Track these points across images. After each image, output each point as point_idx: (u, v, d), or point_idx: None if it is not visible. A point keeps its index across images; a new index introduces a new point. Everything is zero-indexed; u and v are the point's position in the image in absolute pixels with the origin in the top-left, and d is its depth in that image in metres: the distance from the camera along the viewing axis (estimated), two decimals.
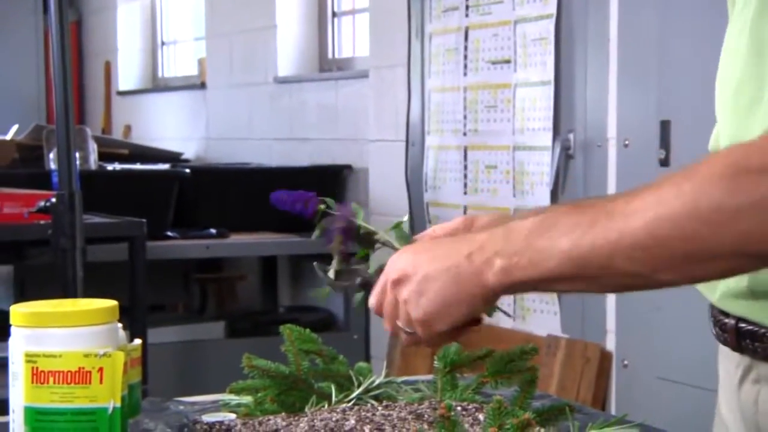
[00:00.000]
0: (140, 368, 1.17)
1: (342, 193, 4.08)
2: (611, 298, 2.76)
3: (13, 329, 1.00)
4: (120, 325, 1.05)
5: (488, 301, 1.00)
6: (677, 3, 2.60)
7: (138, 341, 1.16)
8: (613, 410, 2.75)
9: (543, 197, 2.96)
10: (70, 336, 0.99)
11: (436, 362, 1.21)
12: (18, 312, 1.00)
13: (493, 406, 0.92)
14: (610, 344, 2.77)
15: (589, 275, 0.93)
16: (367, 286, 1.13)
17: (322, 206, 1.22)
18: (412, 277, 1.02)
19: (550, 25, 2.94)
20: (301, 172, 4.12)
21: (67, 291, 1.94)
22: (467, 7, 3.28)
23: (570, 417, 1.00)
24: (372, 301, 1.08)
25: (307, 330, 1.22)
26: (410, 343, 1.06)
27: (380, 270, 1.09)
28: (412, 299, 1.02)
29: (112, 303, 1.03)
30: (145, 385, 1.24)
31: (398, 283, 1.03)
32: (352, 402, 1.17)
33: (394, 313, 1.05)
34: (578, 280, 0.94)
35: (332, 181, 4.06)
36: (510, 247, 0.96)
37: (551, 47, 2.93)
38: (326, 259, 1.21)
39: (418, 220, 3.50)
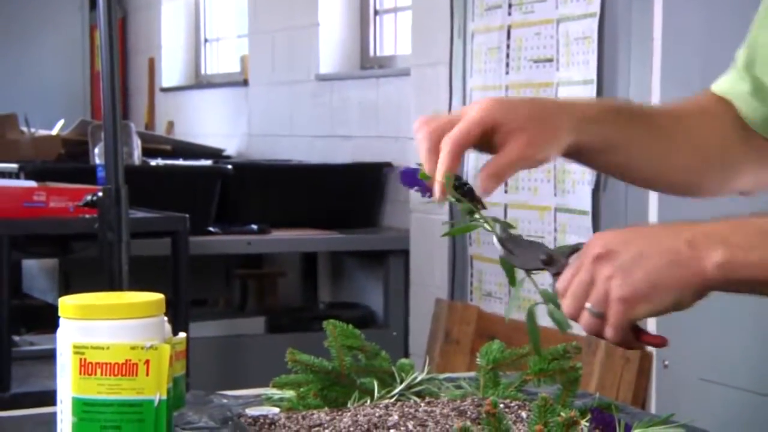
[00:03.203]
0: (185, 361, 1.18)
1: (382, 191, 4.09)
2: None
3: (61, 321, 1.02)
4: (165, 318, 1.06)
5: (700, 293, 0.94)
6: (722, 2, 2.58)
7: (183, 334, 1.18)
8: (653, 411, 2.73)
9: (584, 197, 2.95)
10: (117, 328, 1.00)
11: (478, 360, 1.21)
12: (67, 304, 1.01)
13: (539, 404, 0.92)
14: None
15: None
16: (551, 265, 1.03)
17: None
18: (621, 253, 0.94)
19: (593, 24, 2.93)
20: (341, 169, 4.14)
21: (112, 284, 1.97)
22: (510, 6, 3.27)
23: (616, 415, 1.00)
24: (563, 278, 0.99)
25: (350, 326, 1.22)
26: (592, 330, 0.98)
27: (572, 250, 1.02)
28: (618, 275, 0.94)
29: (159, 296, 1.04)
30: (187, 379, 1.25)
31: (602, 257, 0.95)
32: (395, 398, 1.18)
33: (584, 292, 0.97)
34: None
35: (373, 178, 4.07)
36: (739, 240, 0.90)
37: (594, 46, 2.92)
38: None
39: (457, 219, 3.50)
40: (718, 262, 0.91)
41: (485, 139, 1.07)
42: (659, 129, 1.19)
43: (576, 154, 1.13)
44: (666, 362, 2.72)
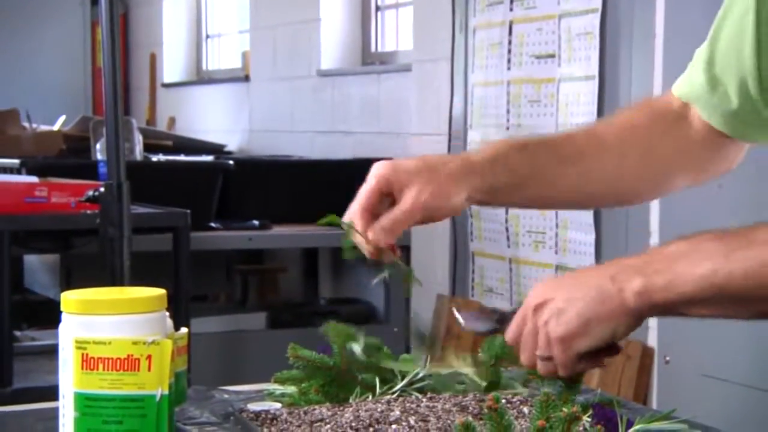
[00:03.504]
0: (186, 357, 1.18)
1: None
2: None
3: (64, 316, 1.02)
4: (167, 313, 1.06)
5: (630, 324, 1.02)
6: None
7: (184, 330, 1.17)
8: (654, 407, 2.73)
9: None
10: (119, 323, 1.00)
11: (480, 355, 1.21)
12: (69, 299, 1.01)
13: (541, 399, 0.92)
14: (652, 340, 2.76)
15: (728, 301, 0.96)
16: (504, 323, 1.12)
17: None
18: (555, 299, 1.02)
19: (595, 20, 2.92)
20: (343, 165, 4.13)
21: (113, 280, 1.96)
22: (511, 1, 3.27)
23: (618, 411, 1.00)
24: (510, 331, 1.07)
25: (352, 329, 1.22)
26: (549, 372, 1.05)
27: (519, 306, 1.08)
28: (553, 319, 1.02)
29: (161, 291, 1.04)
30: (189, 374, 1.25)
31: (540, 307, 1.03)
32: (396, 393, 1.18)
33: (533, 341, 1.04)
34: (716, 305, 0.96)
35: None
36: (650, 268, 0.98)
37: (596, 42, 2.92)
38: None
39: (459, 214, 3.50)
40: (636, 291, 0.99)
41: (386, 200, 1.18)
42: (569, 155, 1.22)
43: (491, 197, 1.18)
44: (667, 358, 2.72)
